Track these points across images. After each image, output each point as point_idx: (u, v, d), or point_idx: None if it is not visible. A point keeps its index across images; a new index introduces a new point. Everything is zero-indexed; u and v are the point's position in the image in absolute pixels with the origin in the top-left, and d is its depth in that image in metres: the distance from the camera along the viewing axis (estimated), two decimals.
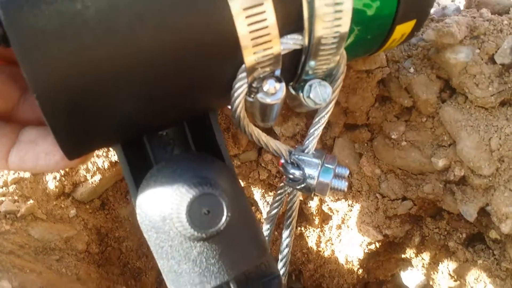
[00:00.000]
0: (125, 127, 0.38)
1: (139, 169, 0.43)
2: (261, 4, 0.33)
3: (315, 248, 1.02)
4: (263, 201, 0.96)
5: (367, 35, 0.48)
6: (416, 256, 0.91)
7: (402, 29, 0.51)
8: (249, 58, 0.35)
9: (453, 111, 0.71)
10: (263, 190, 0.95)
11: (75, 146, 0.36)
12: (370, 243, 0.89)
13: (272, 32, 0.35)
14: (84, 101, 0.32)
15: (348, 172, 0.52)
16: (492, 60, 0.67)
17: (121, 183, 0.95)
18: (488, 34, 0.67)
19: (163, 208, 0.37)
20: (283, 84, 0.39)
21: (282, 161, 0.51)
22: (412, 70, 0.72)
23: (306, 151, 0.51)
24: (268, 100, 0.38)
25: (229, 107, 0.41)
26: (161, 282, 1.02)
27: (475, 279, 0.83)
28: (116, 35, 0.30)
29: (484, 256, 0.81)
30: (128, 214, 0.97)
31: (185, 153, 0.46)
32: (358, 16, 0.43)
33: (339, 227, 0.95)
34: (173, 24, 0.32)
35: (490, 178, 0.70)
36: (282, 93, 0.38)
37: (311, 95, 0.43)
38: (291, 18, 0.37)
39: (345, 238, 0.95)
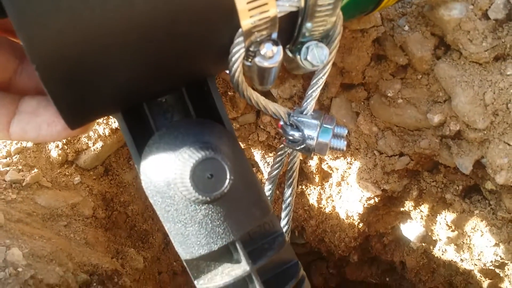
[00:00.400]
0: (124, 95, 0.38)
1: (140, 136, 0.44)
2: None
3: (316, 205, 1.04)
4: (264, 162, 0.98)
5: None
6: (415, 209, 0.94)
7: None
8: (246, 21, 0.35)
9: (447, 67, 0.71)
10: (263, 152, 0.97)
11: (77, 116, 0.37)
12: (369, 198, 0.92)
13: (269, 1, 0.34)
14: (82, 69, 0.32)
15: (346, 131, 0.53)
16: (485, 15, 0.67)
17: (123, 149, 0.96)
18: None
19: (167, 173, 0.38)
20: (280, 47, 0.38)
21: (281, 123, 0.52)
22: (406, 28, 0.72)
23: (304, 113, 0.51)
24: (266, 64, 0.38)
25: (227, 71, 0.41)
26: (168, 242, 1.05)
27: (472, 228, 0.85)
28: (112, 3, 0.30)
29: (481, 207, 0.83)
30: (132, 179, 0.99)
31: (186, 119, 0.46)
32: None
33: (339, 184, 0.97)
34: None
35: (485, 132, 0.72)
36: (279, 56, 0.38)
37: (308, 57, 0.43)
38: None
39: (345, 194, 0.97)
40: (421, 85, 0.76)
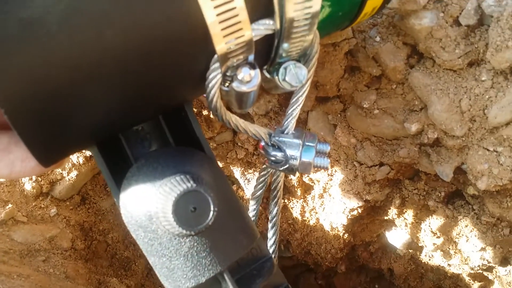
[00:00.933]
0: (99, 128, 0.37)
1: (118, 168, 0.42)
2: (231, 1, 0.32)
3: (300, 218, 1.03)
4: (244, 179, 0.96)
5: (338, 12, 0.46)
6: (399, 217, 0.93)
7: (373, 3, 0.50)
8: (220, 46, 0.34)
9: (421, 76, 0.71)
10: (242, 169, 0.95)
11: (50, 154, 0.35)
12: (352, 209, 0.91)
13: (242, 18, 0.33)
14: (53, 108, 0.31)
15: (329, 148, 0.52)
16: (457, 22, 0.66)
17: (99, 176, 0.94)
18: None
19: (148, 207, 0.36)
20: (258, 70, 0.38)
21: (263, 143, 0.51)
22: (378, 38, 0.72)
23: (285, 132, 0.50)
24: (244, 88, 0.38)
25: (205, 95, 0.40)
26: (151, 268, 1.03)
27: (457, 234, 0.85)
28: (80, 36, 0.29)
29: (464, 212, 0.83)
30: (110, 206, 0.96)
31: (164, 148, 0.45)
32: None
33: (321, 196, 0.96)
34: (140, 19, 0.30)
35: (463, 138, 0.71)
36: (257, 80, 0.38)
37: (286, 78, 0.42)
38: (260, 2, 0.35)
39: (328, 206, 0.96)
40: (396, 94, 0.76)
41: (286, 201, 1.03)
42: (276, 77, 0.42)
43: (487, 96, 0.66)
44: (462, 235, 0.84)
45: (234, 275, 0.41)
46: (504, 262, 0.82)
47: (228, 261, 0.40)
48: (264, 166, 0.57)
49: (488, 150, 0.69)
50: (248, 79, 0.37)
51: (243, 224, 0.43)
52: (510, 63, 0.61)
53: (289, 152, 0.49)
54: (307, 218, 1.02)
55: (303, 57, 0.43)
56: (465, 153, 0.73)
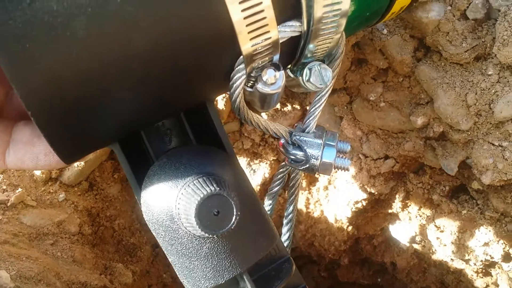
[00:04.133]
0: (122, 128, 0.37)
1: (138, 164, 0.42)
2: None
3: (304, 209, 1.04)
4: (250, 169, 0.97)
5: (366, 12, 0.45)
6: (403, 210, 0.93)
7: (402, 2, 0.49)
8: (246, 47, 0.34)
9: (428, 69, 0.71)
10: (249, 159, 0.96)
11: (74, 153, 0.36)
12: (357, 202, 0.91)
13: (268, 18, 0.33)
14: (79, 110, 0.31)
15: (349, 147, 0.51)
16: (464, 16, 0.67)
17: (107, 163, 0.95)
18: None
19: (170, 207, 0.36)
20: (282, 72, 0.37)
21: (283, 141, 0.49)
22: (385, 31, 0.72)
23: (306, 131, 0.49)
24: (268, 90, 0.37)
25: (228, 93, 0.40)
26: (157, 254, 1.04)
27: (460, 228, 0.85)
28: (108, 41, 0.29)
29: (468, 207, 0.83)
30: (117, 192, 0.97)
31: (186, 146, 0.45)
32: None
33: (326, 188, 0.97)
34: (168, 23, 0.30)
35: (469, 132, 0.71)
36: (282, 82, 0.37)
37: (311, 79, 0.41)
38: (288, 3, 0.35)
39: (332, 198, 0.97)
40: (403, 87, 0.76)
41: None
42: (300, 78, 0.42)
43: (493, 91, 0.67)
44: (466, 230, 0.84)
45: (253, 275, 0.41)
46: (507, 257, 0.82)
47: (248, 263, 0.39)
48: (283, 163, 0.56)
49: (493, 144, 0.69)
50: (273, 81, 0.37)
51: (264, 225, 0.43)
52: None
53: (310, 151, 0.47)
54: (312, 210, 1.03)
55: (327, 57, 0.42)
56: (470, 148, 0.73)
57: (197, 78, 0.35)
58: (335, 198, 0.95)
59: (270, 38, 0.34)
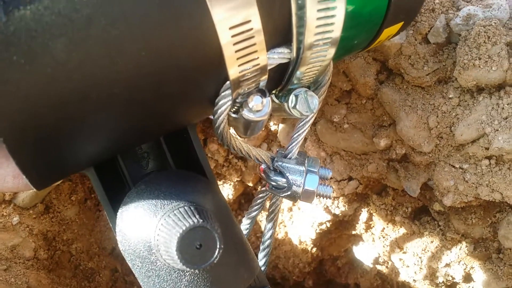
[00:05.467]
0: (99, 154, 0.35)
1: (114, 189, 0.40)
2: (248, 22, 0.30)
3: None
4: None
5: (354, 39, 0.45)
6: (366, 231, 0.93)
7: (389, 31, 0.48)
8: (234, 72, 0.32)
9: (391, 92, 0.72)
10: None
11: (46, 179, 0.33)
12: (321, 223, 0.91)
13: (258, 46, 0.31)
14: (55, 137, 0.29)
15: (330, 173, 0.50)
16: (425, 39, 0.68)
17: (64, 184, 0.92)
18: (420, 14, 0.68)
19: (148, 238, 0.34)
20: (269, 99, 0.36)
21: (264, 166, 0.48)
22: None
23: (289, 157, 0.48)
24: (254, 117, 0.36)
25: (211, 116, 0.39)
26: (116, 280, 1.01)
27: (422, 250, 0.85)
28: (91, 65, 0.26)
29: (430, 228, 0.84)
30: (75, 215, 0.94)
31: (164, 171, 0.43)
32: (347, 21, 0.41)
33: (290, 209, 0.96)
34: (155, 48, 0.28)
35: (431, 155, 0.72)
36: (268, 109, 0.36)
37: (297, 106, 0.40)
38: (278, 30, 0.33)
39: (297, 220, 0.96)
40: (366, 109, 0.76)
41: None
42: (285, 104, 0.41)
43: (454, 114, 0.67)
44: (428, 251, 0.85)
45: None
46: (467, 278, 0.83)
47: None
48: (263, 189, 0.54)
49: (454, 167, 0.70)
50: (259, 108, 0.35)
51: (245, 256, 0.41)
52: (477, 81, 0.62)
53: (292, 178, 0.46)
54: (276, 231, 1.02)
55: (313, 84, 0.42)
56: (432, 170, 0.74)
57: (181, 104, 0.34)
58: (299, 219, 0.95)
59: (258, 64, 0.33)
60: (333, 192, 0.48)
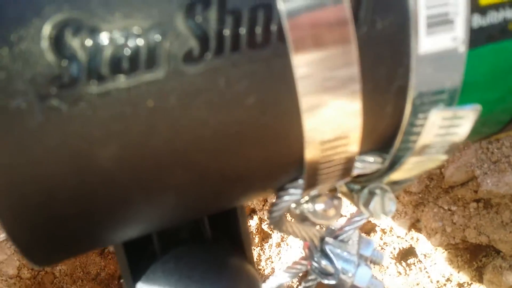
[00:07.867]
0: (137, 234, 0.27)
1: (137, 253, 0.34)
2: (345, 137, 0.22)
3: (255, 266, 1.02)
4: None
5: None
6: None
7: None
8: (310, 176, 0.24)
9: None
10: None
11: (48, 260, 0.24)
12: None
13: (349, 154, 0.22)
14: (62, 223, 0.21)
15: (383, 259, 0.44)
16: None
17: None
18: None
19: None
20: (342, 202, 0.28)
21: (310, 243, 0.42)
22: None
23: (340, 238, 0.42)
24: (317, 220, 0.28)
25: None
26: None
27: None
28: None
29: (416, 269, 0.84)
30: None
31: (200, 249, 0.36)
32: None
33: (278, 245, 0.96)
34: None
35: (420, 195, 0.73)
36: (335, 220, 0.28)
37: (370, 207, 0.31)
38: (372, 138, 0.25)
39: (284, 255, 0.96)
40: None
41: None
42: (355, 195, 0.32)
43: None
44: None
45: None
46: None
47: None
48: (308, 269, 0.46)
49: (443, 208, 0.71)
50: (331, 214, 0.27)
51: None
52: None
53: (342, 267, 0.41)
54: (263, 267, 1.01)
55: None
56: (420, 210, 0.75)
57: (247, 196, 0.28)
58: (287, 255, 0.94)
59: (340, 172, 0.25)
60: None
